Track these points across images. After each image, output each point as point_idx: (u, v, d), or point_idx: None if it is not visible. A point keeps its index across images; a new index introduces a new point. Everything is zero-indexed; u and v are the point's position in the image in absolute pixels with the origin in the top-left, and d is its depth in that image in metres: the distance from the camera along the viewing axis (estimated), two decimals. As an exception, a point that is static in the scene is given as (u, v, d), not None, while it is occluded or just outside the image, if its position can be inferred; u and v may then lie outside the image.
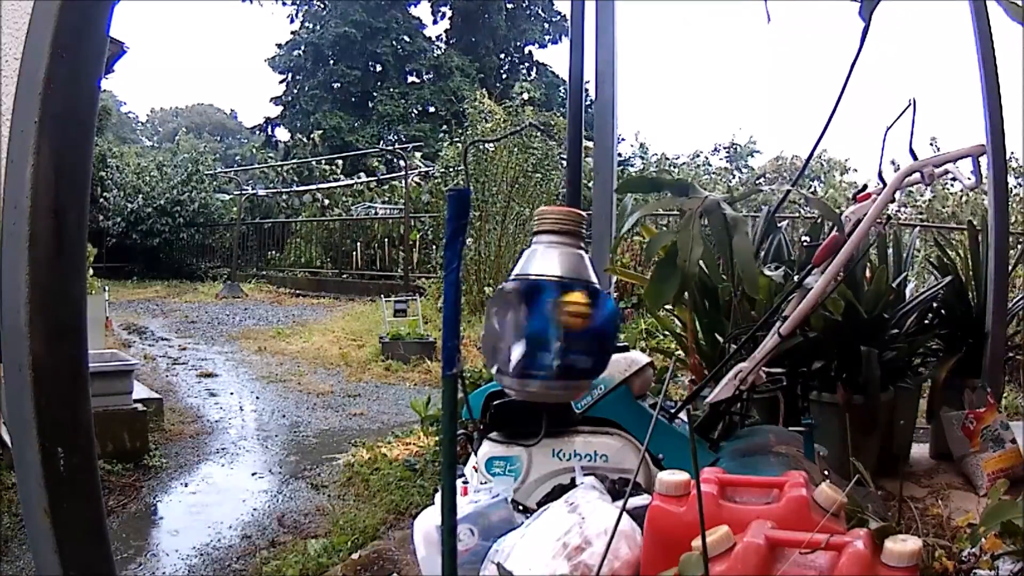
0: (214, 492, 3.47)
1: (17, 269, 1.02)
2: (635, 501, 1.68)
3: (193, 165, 16.61)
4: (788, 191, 2.64)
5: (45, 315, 1.03)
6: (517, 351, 1.75)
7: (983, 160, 2.11)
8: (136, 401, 3.79)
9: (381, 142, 23.52)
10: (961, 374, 2.98)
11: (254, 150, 22.83)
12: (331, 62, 26.25)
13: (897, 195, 2.13)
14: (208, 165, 17.48)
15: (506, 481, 2.02)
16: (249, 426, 4.64)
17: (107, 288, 8.29)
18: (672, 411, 2.26)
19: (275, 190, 17.30)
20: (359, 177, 17.77)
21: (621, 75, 3.43)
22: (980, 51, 2.97)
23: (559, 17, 27.52)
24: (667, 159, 18.29)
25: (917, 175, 2.12)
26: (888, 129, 2.29)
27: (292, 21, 27.06)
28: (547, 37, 28.44)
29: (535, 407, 2.06)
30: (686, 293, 2.50)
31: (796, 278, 2.24)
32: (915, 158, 2.14)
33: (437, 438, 3.65)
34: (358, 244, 14.06)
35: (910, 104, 2.15)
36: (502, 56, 28.46)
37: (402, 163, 13.66)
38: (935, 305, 3.17)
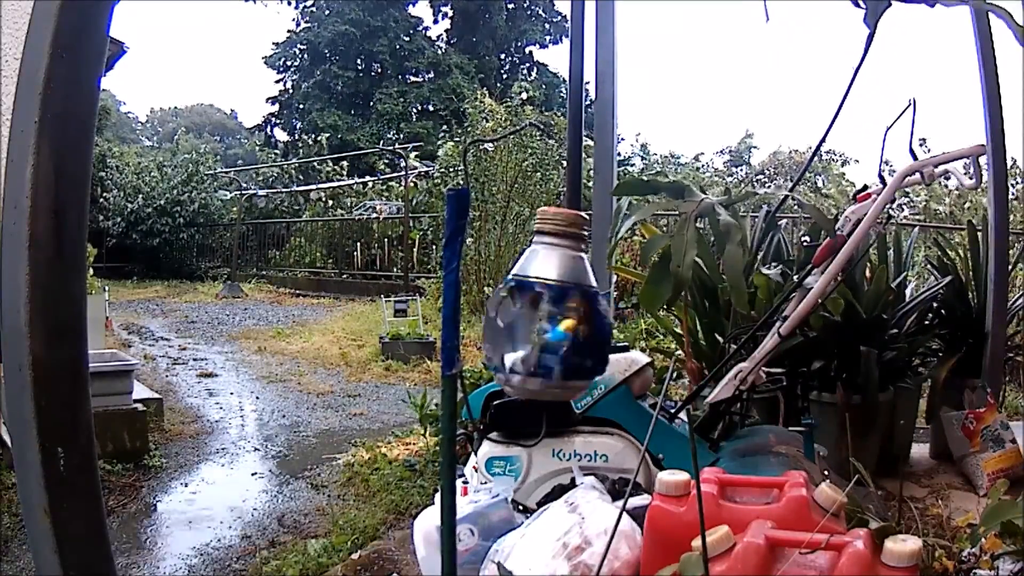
0: (214, 492, 3.47)
1: (17, 269, 1.01)
2: (635, 501, 1.68)
3: (193, 165, 16.61)
4: (786, 196, 2.64)
5: (45, 315, 1.03)
6: (516, 351, 1.76)
7: (983, 160, 2.11)
8: (136, 401, 3.79)
9: (381, 141, 23.51)
10: (961, 374, 2.98)
11: (256, 149, 22.85)
12: (329, 61, 26.25)
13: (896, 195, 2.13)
14: (208, 165, 17.47)
15: (506, 481, 2.02)
16: (249, 426, 4.64)
17: (107, 288, 8.30)
18: (672, 411, 2.26)
19: (275, 190, 17.30)
20: (359, 177, 17.77)
21: (621, 75, 3.43)
22: (980, 51, 2.97)
23: (559, 17, 27.53)
24: (672, 159, 18.30)
25: (917, 175, 2.12)
26: (888, 129, 2.29)
27: (297, 24, 27.05)
28: (547, 37, 28.44)
29: (535, 407, 2.06)
30: (685, 295, 2.50)
31: (796, 278, 2.24)
32: (915, 158, 2.14)
33: (437, 438, 3.65)
34: (358, 244, 14.07)
35: (910, 104, 2.15)
36: (502, 56, 28.46)
37: (402, 163, 13.65)
38: (935, 305, 3.17)
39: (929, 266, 3.97)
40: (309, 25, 26.72)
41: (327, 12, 26.24)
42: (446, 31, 28.14)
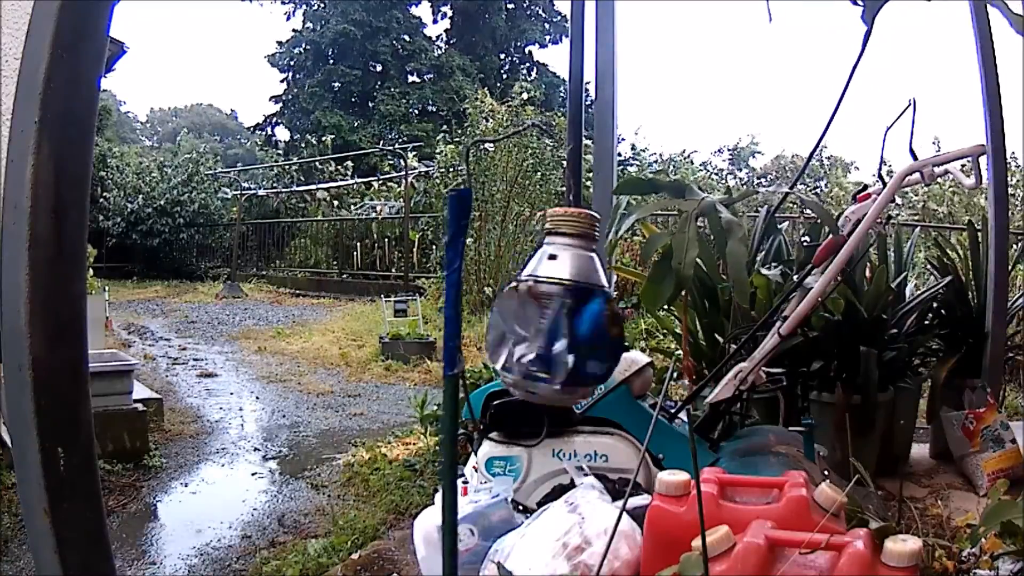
0: (214, 492, 3.47)
1: (17, 269, 1.02)
2: (635, 501, 1.68)
3: (193, 165, 16.61)
4: (787, 194, 2.64)
5: (45, 315, 1.03)
6: (526, 353, 1.75)
7: (983, 160, 2.11)
8: (136, 401, 3.79)
9: (382, 142, 23.50)
10: (961, 374, 2.98)
11: (256, 147, 22.85)
12: (331, 61, 26.24)
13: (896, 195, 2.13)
14: (208, 165, 17.47)
15: (506, 481, 2.02)
16: (249, 426, 4.64)
17: (107, 288, 8.30)
18: (672, 411, 2.26)
19: (275, 190, 17.30)
20: (360, 177, 17.76)
21: (623, 76, 3.44)
22: (980, 51, 2.97)
23: (559, 17, 27.51)
24: (671, 160, 18.27)
25: (917, 175, 2.12)
26: (888, 129, 2.29)
27: (289, 18, 27.07)
28: (547, 37, 28.42)
29: (535, 407, 2.06)
30: (684, 294, 2.50)
31: (796, 278, 2.24)
32: (915, 158, 2.14)
33: (437, 438, 3.65)
34: (358, 244, 14.06)
35: (910, 104, 2.15)
36: (502, 56, 28.45)
37: (402, 163, 13.65)
38: (935, 305, 3.17)
39: (929, 266, 3.97)
40: (312, 25, 26.72)
41: (330, 12, 26.24)
42: (446, 31, 28.14)
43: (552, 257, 1.79)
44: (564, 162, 7.14)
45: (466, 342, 6.56)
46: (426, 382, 5.98)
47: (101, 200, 15.64)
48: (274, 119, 27.82)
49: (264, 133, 28.18)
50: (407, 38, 26.65)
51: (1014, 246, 3.71)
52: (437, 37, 28.10)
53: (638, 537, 1.59)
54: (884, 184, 2.13)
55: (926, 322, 3.14)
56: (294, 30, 27.06)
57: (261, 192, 17.26)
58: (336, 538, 2.66)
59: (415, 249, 12.51)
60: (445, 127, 15.81)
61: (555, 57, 30.14)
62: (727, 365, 2.21)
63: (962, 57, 3.39)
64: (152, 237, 15.85)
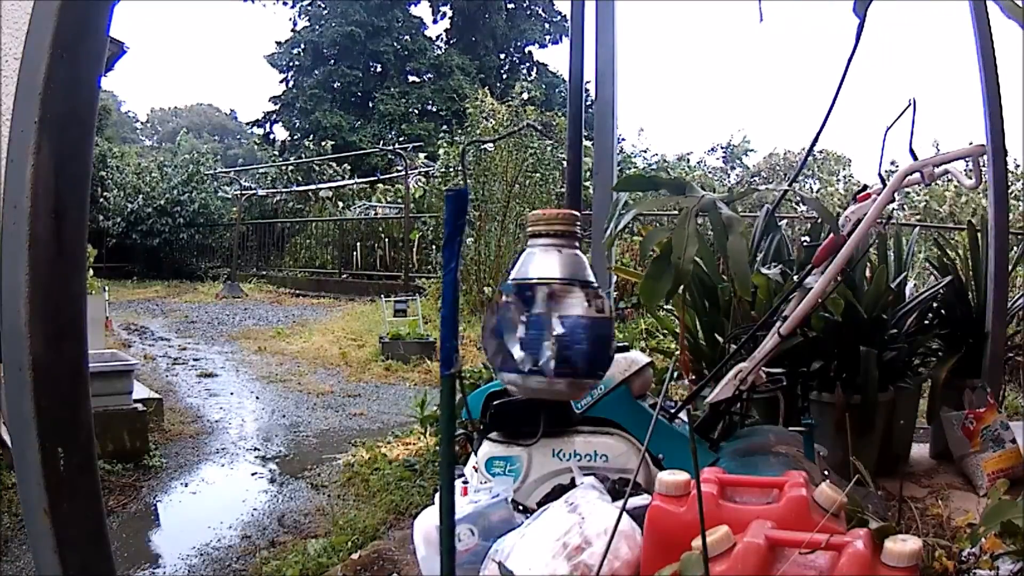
0: (214, 492, 3.47)
1: (17, 269, 1.01)
2: (635, 501, 1.68)
3: (193, 165, 16.63)
4: (785, 191, 2.63)
5: (45, 315, 1.03)
6: (519, 351, 1.76)
7: (983, 160, 2.11)
8: (136, 401, 3.79)
9: (381, 142, 23.48)
10: (961, 374, 2.98)
11: (254, 146, 22.85)
12: (331, 61, 26.24)
13: (896, 195, 2.13)
14: (208, 165, 17.49)
15: (506, 481, 2.02)
16: (249, 426, 4.64)
17: (107, 288, 8.30)
18: (672, 411, 2.26)
19: (275, 190, 17.30)
20: (360, 177, 17.76)
21: (620, 75, 3.44)
22: (980, 51, 2.97)
23: (559, 17, 27.51)
24: (664, 160, 18.27)
25: (917, 175, 2.12)
26: (888, 129, 2.29)
27: (294, 24, 27.04)
28: (547, 37, 28.42)
29: (535, 407, 2.06)
30: (684, 292, 2.50)
31: (796, 278, 2.24)
32: (915, 158, 2.14)
33: (437, 438, 3.65)
34: (358, 244, 14.07)
35: (910, 104, 2.15)
36: (502, 56, 28.44)
37: (403, 162, 13.65)
38: (935, 305, 3.17)
39: (929, 266, 3.97)
40: (311, 25, 26.71)
41: (330, 12, 26.23)
42: (446, 31, 28.14)
43: (538, 257, 1.82)
44: (564, 162, 7.14)
45: (466, 342, 6.57)
46: (426, 382, 5.98)
47: (101, 200, 15.64)
48: (273, 118, 27.81)
49: (263, 132, 28.18)
50: (407, 38, 26.65)
51: (1014, 247, 3.71)
52: (437, 37, 28.10)
53: (638, 537, 1.59)
54: (884, 184, 2.13)
55: (926, 322, 3.14)
56: (293, 30, 27.06)
57: (261, 192, 17.27)
58: (336, 538, 2.66)
59: (415, 249, 12.51)
60: (445, 127, 15.82)
61: (555, 57, 30.19)
62: (727, 365, 2.21)
63: (962, 57, 3.39)
64: (152, 237, 15.85)
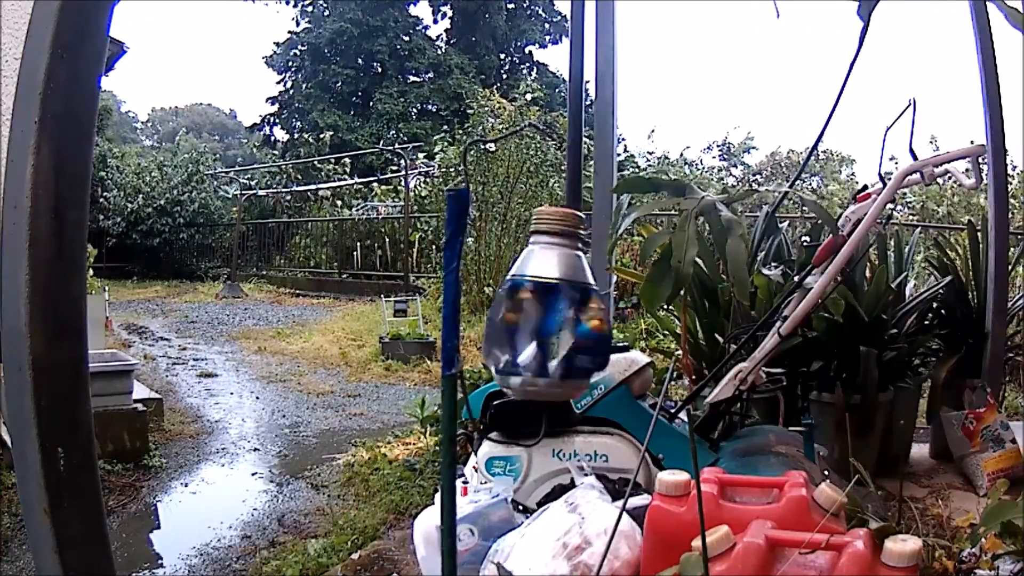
0: (214, 492, 3.47)
1: (17, 269, 1.01)
2: (635, 501, 1.68)
3: (193, 165, 16.61)
4: (785, 193, 2.63)
5: (45, 315, 1.02)
6: (517, 351, 1.76)
7: (983, 160, 2.11)
8: (136, 401, 3.79)
9: (380, 141, 23.48)
10: (961, 374, 2.97)
11: (253, 148, 22.85)
12: (330, 61, 26.22)
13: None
14: (208, 165, 17.48)
15: (506, 481, 2.02)
16: (249, 426, 4.64)
17: (107, 288, 8.30)
18: (672, 411, 2.26)
19: (275, 190, 17.30)
20: (359, 176, 17.75)
21: (621, 75, 3.43)
22: (980, 51, 2.97)
23: (559, 17, 27.49)
24: (665, 159, 18.23)
25: (917, 175, 2.12)
26: (888, 129, 2.29)
27: (298, 23, 27.02)
28: (547, 37, 28.41)
29: (535, 407, 2.06)
30: (684, 293, 2.50)
31: (796, 278, 2.24)
32: (915, 158, 2.14)
33: (437, 438, 3.65)
34: (358, 244, 14.06)
35: (910, 104, 2.15)
36: (502, 56, 28.43)
37: (402, 162, 13.65)
38: (935, 305, 3.17)
39: (929, 266, 3.97)
40: (310, 25, 26.70)
41: (327, 12, 26.22)
42: (446, 31, 28.12)
43: (538, 256, 1.82)
44: (565, 162, 7.14)
45: (466, 342, 6.57)
46: (426, 382, 5.98)
47: (101, 200, 15.64)
48: (272, 119, 27.80)
49: (262, 133, 28.17)
50: (405, 37, 26.63)
51: (1014, 247, 3.71)
52: (437, 37, 28.09)
53: (638, 537, 1.59)
54: (884, 184, 2.13)
55: (926, 322, 3.14)
56: (291, 31, 27.04)
57: (261, 192, 17.27)
58: (336, 538, 2.67)
59: (415, 249, 12.51)
60: (445, 126, 15.81)
61: (555, 57, 30.17)
62: (727, 365, 2.21)
63: (962, 57, 3.39)
64: (152, 237, 15.85)
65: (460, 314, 1.45)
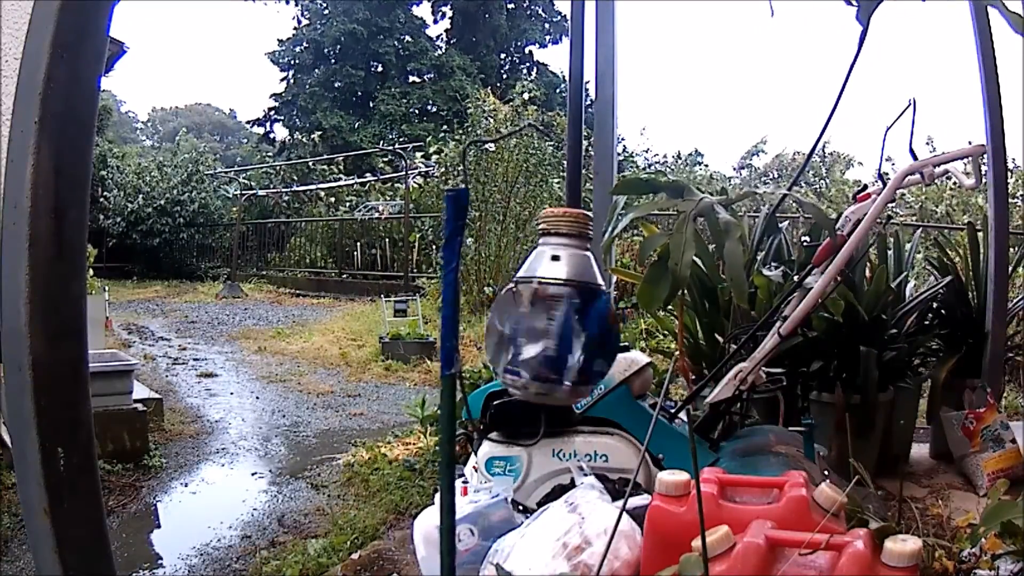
0: (214, 492, 3.47)
1: (17, 269, 1.01)
2: (635, 501, 1.68)
3: (193, 165, 16.62)
4: (784, 195, 2.63)
5: (45, 315, 1.03)
6: (523, 353, 1.76)
7: (983, 160, 2.11)
8: (136, 401, 3.79)
9: (382, 142, 23.48)
10: (961, 374, 2.97)
11: (253, 146, 22.85)
12: (332, 60, 26.22)
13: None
14: (208, 165, 17.48)
15: (506, 481, 2.02)
16: (249, 426, 4.64)
17: (107, 288, 8.30)
18: (672, 411, 2.26)
19: (275, 190, 17.30)
20: (360, 176, 17.75)
21: (630, 76, 3.44)
22: (980, 51, 2.97)
23: (559, 17, 27.49)
24: (664, 162, 18.24)
25: (917, 175, 2.12)
26: (888, 129, 2.29)
27: (297, 22, 27.02)
28: (547, 37, 28.41)
29: (535, 407, 2.06)
30: (683, 293, 2.50)
31: (796, 278, 2.24)
32: (915, 158, 2.14)
33: (437, 438, 3.65)
34: (358, 244, 14.06)
35: (910, 104, 2.15)
36: (503, 56, 28.43)
37: (403, 162, 13.65)
38: (935, 305, 3.17)
39: (929, 266, 3.97)
40: (313, 24, 26.70)
41: (327, 11, 26.21)
42: (446, 31, 28.11)
43: (554, 258, 1.81)
44: (565, 162, 7.14)
45: (466, 342, 6.57)
46: (426, 382, 5.98)
47: (101, 200, 15.65)
48: (273, 117, 27.79)
49: (263, 131, 28.16)
50: (408, 38, 26.62)
51: (1014, 247, 3.71)
52: (437, 37, 28.08)
53: (638, 537, 1.59)
54: (884, 184, 2.13)
55: (926, 322, 3.14)
56: (295, 28, 27.04)
57: (261, 192, 17.27)
58: (336, 538, 2.67)
59: (415, 249, 12.51)
60: (446, 127, 15.81)
61: (555, 57, 30.16)
62: (727, 365, 2.21)
63: (962, 57, 3.39)
64: (152, 237, 15.85)
65: (459, 314, 1.45)
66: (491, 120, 9.59)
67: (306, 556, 2.52)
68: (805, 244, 2.92)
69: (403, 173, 13.20)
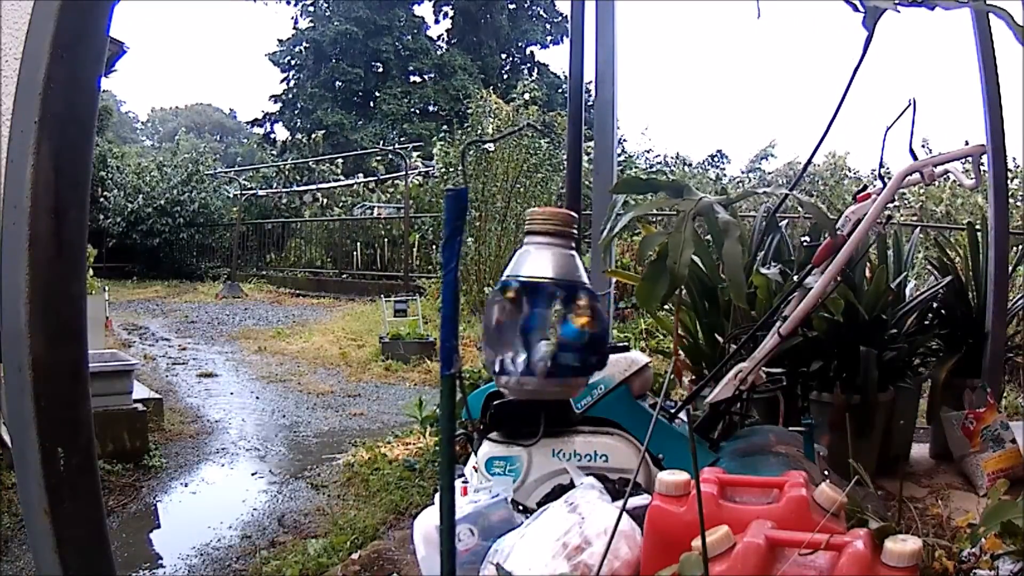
0: (214, 492, 3.47)
1: (17, 269, 1.01)
2: (635, 501, 1.68)
3: (193, 165, 16.62)
4: (785, 196, 2.63)
5: (45, 315, 1.02)
6: (513, 350, 1.77)
7: (983, 160, 2.11)
8: (136, 401, 3.79)
9: (383, 141, 23.49)
10: (961, 374, 2.98)
11: (254, 146, 22.87)
12: (333, 60, 26.22)
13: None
14: (208, 165, 17.48)
15: (506, 481, 2.02)
16: (249, 426, 4.64)
17: (107, 288, 8.30)
18: (672, 411, 2.26)
19: (275, 190, 17.30)
20: (360, 176, 17.75)
21: (625, 75, 3.44)
22: (980, 52, 2.97)
23: (560, 17, 27.51)
24: (664, 163, 18.21)
25: (917, 175, 2.12)
26: (888, 129, 2.29)
27: (296, 22, 27.03)
28: (548, 37, 28.44)
29: (535, 407, 2.06)
30: (682, 294, 2.50)
31: (796, 278, 2.24)
32: (915, 158, 2.14)
33: (437, 438, 3.65)
34: (358, 244, 14.07)
35: (910, 104, 2.15)
36: (503, 56, 28.45)
37: (403, 162, 13.66)
38: (935, 305, 3.17)
39: (929, 266, 3.97)
40: (314, 24, 26.70)
41: (327, 10, 26.21)
42: (447, 31, 28.13)
43: (538, 257, 1.83)
44: (565, 162, 7.14)
45: (466, 342, 6.57)
46: (426, 382, 5.98)
47: (101, 200, 15.64)
48: (273, 117, 27.79)
49: (263, 131, 28.17)
50: (409, 38, 26.64)
51: (1014, 247, 3.71)
52: (438, 37, 28.10)
53: (638, 537, 1.59)
54: (884, 184, 2.13)
55: (926, 322, 3.14)
56: (295, 28, 27.04)
57: (261, 192, 17.27)
58: (336, 538, 2.67)
59: (415, 249, 12.51)
60: (447, 127, 15.80)
61: (556, 57, 30.19)
62: (727, 365, 2.21)
63: (962, 57, 3.39)
64: (152, 237, 15.85)
65: (459, 314, 1.45)
66: (493, 120, 9.58)
67: (306, 556, 2.52)
68: (805, 244, 2.92)
69: (403, 173, 13.21)
